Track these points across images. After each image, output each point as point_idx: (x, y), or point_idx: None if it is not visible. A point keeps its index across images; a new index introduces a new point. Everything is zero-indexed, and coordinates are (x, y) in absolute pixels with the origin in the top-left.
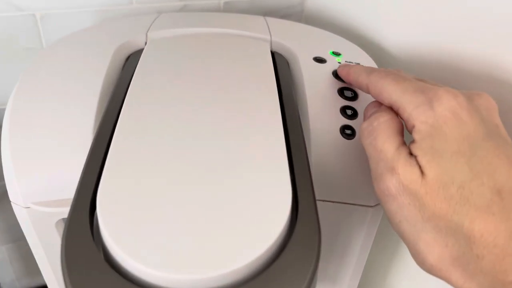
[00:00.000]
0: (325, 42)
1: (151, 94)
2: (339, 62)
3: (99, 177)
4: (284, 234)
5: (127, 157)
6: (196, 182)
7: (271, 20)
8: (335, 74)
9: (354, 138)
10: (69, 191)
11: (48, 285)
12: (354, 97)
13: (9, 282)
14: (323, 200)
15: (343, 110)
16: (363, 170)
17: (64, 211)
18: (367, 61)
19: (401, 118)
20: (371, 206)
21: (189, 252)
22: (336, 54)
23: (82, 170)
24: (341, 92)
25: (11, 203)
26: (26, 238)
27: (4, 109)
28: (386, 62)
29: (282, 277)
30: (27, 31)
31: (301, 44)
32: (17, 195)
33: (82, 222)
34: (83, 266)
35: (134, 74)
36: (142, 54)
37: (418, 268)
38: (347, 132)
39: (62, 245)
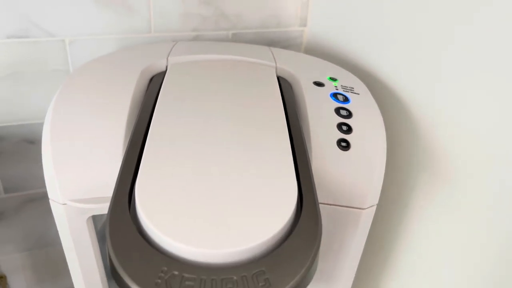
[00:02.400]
0: (323, 69)
1: (176, 108)
2: (335, 86)
3: (136, 169)
4: (292, 219)
5: (160, 155)
6: (219, 177)
7: (275, 50)
8: (333, 95)
9: (349, 150)
10: (101, 190)
11: (73, 279)
12: (349, 115)
13: None
14: (321, 203)
15: (340, 126)
16: (357, 177)
17: (96, 208)
18: (360, 86)
19: None
20: (363, 209)
21: (210, 230)
22: (333, 79)
23: (121, 165)
24: (337, 111)
25: (50, 200)
26: (59, 234)
27: (34, 124)
28: (377, 88)
29: (292, 253)
30: (57, 55)
31: (302, 70)
32: (56, 193)
33: (123, 204)
34: (122, 237)
35: (161, 91)
36: (166, 76)
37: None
38: (343, 145)
39: (106, 220)
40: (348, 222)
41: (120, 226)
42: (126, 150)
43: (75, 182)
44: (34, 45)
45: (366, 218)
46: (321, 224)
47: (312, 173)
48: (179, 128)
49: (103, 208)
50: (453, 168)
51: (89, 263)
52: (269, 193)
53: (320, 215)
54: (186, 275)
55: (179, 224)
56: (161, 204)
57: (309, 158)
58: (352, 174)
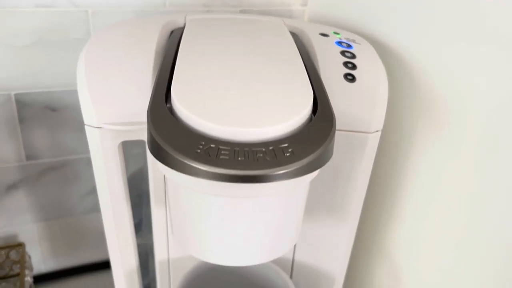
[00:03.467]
0: (327, 27)
1: (201, 42)
2: (339, 37)
3: (169, 79)
4: (311, 108)
5: (191, 64)
6: (246, 77)
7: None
8: (337, 42)
9: (355, 82)
10: (133, 117)
11: (102, 208)
12: (353, 57)
13: (36, 263)
14: None
15: (345, 64)
16: (362, 104)
17: (129, 129)
18: (361, 40)
19: None
20: (369, 133)
21: (241, 113)
22: (336, 33)
23: (157, 74)
24: (343, 53)
25: (85, 126)
26: (92, 161)
27: (57, 91)
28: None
29: (312, 134)
30: (80, 25)
31: (308, 26)
32: (91, 117)
33: (160, 100)
34: (161, 122)
35: (183, 34)
36: (186, 27)
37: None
38: (349, 78)
39: (148, 107)
40: (356, 147)
41: (159, 115)
42: (160, 64)
43: (108, 107)
44: (59, 15)
45: (372, 143)
46: (334, 115)
47: (322, 82)
48: (206, 51)
49: (136, 132)
50: (450, 114)
51: (118, 191)
52: (290, 89)
53: (332, 109)
54: (221, 146)
55: (212, 108)
56: (195, 95)
57: (319, 74)
58: (358, 102)
